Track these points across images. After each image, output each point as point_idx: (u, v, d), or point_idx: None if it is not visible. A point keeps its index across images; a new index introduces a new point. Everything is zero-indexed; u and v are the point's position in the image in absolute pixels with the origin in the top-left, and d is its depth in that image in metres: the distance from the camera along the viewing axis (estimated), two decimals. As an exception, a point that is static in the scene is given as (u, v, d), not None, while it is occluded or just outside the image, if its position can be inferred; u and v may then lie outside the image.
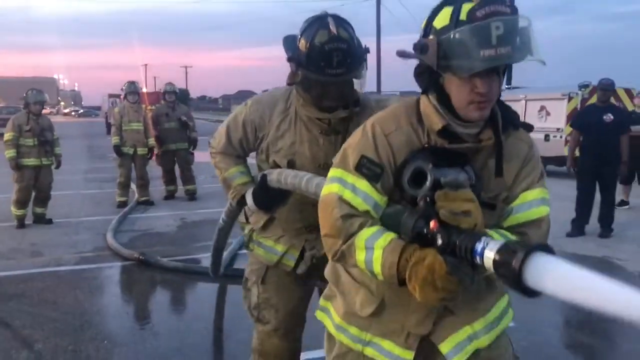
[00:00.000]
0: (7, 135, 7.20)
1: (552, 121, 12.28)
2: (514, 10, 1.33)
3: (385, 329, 1.60)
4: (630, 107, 11.25)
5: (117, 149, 8.68)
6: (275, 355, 2.51)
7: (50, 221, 7.50)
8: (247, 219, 2.52)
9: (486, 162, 1.51)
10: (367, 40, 2.22)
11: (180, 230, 7.27)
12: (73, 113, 67.62)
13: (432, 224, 1.33)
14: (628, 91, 12.22)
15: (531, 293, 1.14)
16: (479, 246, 1.23)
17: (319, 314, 1.79)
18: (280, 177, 2.19)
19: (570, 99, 12.02)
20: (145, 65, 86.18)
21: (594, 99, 8.71)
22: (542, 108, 12.58)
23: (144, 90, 14.24)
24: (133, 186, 8.92)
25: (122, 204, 8.53)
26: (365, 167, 1.50)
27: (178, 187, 9.45)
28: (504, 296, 1.69)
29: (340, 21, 2.11)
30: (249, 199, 2.37)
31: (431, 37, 1.39)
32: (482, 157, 1.51)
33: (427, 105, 1.50)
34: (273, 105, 2.31)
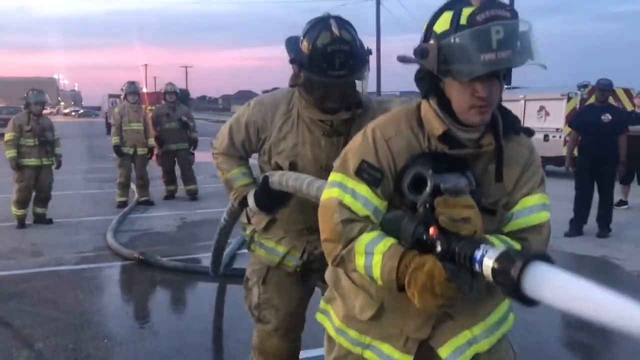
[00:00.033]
0: (8, 136, 7.20)
1: (551, 121, 12.29)
2: (514, 15, 1.33)
3: (384, 333, 1.60)
4: (629, 107, 11.27)
5: (117, 149, 8.69)
6: (275, 355, 2.52)
7: (50, 221, 7.50)
8: (249, 219, 2.53)
9: (487, 167, 1.51)
10: (367, 40, 2.23)
11: (180, 230, 7.27)
12: (73, 113, 67.46)
13: (431, 230, 1.32)
14: (627, 91, 12.22)
15: (529, 302, 1.14)
16: (478, 254, 1.23)
17: (320, 317, 1.79)
18: (282, 180, 2.20)
19: (569, 99, 12.02)
20: (146, 65, 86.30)
21: (592, 99, 8.71)
22: (542, 108, 12.59)
23: (144, 90, 14.25)
24: (133, 186, 8.92)
25: (122, 204, 8.54)
26: (366, 172, 1.49)
27: (178, 187, 9.46)
28: (505, 301, 1.68)
29: (342, 23, 2.11)
30: (251, 200, 2.38)
31: (431, 41, 1.39)
32: (483, 162, 1.51)
33: (428, 110, 1.50)
34: (275, 107, 2.32)
